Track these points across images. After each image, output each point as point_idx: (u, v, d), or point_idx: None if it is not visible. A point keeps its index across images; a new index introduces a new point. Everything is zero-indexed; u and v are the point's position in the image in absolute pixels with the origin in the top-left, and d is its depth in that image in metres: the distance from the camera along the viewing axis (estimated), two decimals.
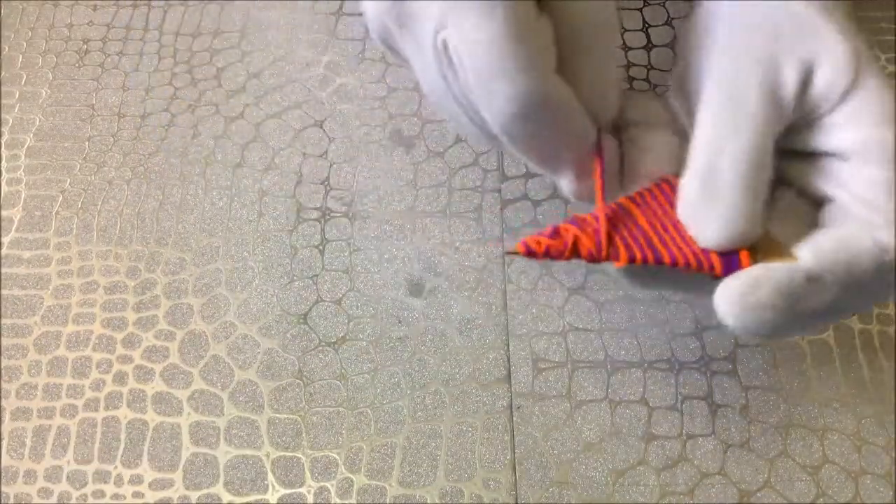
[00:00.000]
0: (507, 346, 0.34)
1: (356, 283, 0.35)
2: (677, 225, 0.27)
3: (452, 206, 0.37)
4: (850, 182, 0.26)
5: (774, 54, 0.26)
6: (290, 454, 0.32)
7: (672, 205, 0.27)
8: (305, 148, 0.39)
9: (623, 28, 0.43)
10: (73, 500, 0.31)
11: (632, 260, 0.26)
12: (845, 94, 0.26)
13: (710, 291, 0.26)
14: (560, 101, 0.26)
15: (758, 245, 0.26)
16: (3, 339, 0.34)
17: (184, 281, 0.36)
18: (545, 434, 0.32)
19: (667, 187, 0.27)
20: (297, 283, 0.35)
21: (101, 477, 0.31)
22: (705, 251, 0.26)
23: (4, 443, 0.32)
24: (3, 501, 0.31)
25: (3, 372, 0.34)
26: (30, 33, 0.44)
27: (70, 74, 0.42)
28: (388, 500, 0.31)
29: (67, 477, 0.31)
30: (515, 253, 0.27)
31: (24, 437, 0.32)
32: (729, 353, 0.34)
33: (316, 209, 0.37)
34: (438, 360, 0.34)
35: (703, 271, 0.26)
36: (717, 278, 0.26)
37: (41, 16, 0.44)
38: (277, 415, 0.33)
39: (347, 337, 0.34)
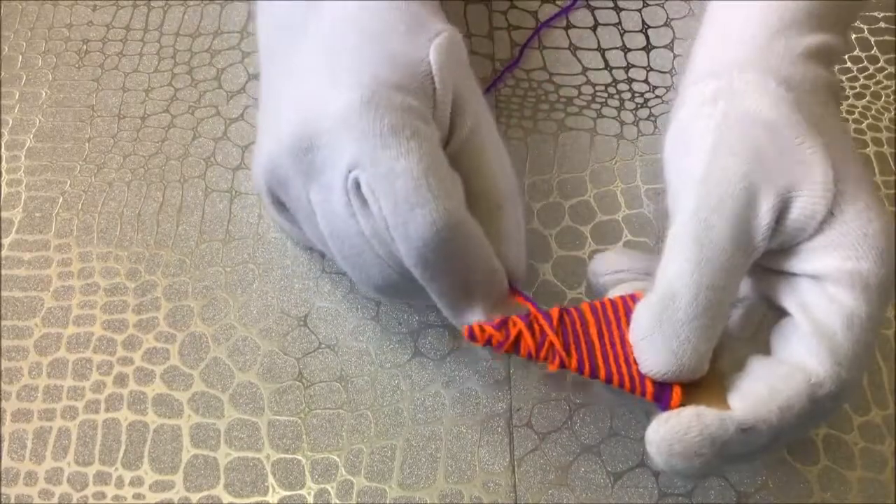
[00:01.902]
0: None
1: (356, 286, 0.35)
2: (626, 342, 0.27)
3: None
4: (813, 304, 0.26)
5: (751, 186, 0.26)
6: (291, 456, 0.32)
7: (628, 321, 0.27)
8: None
9: (622, 29, 0.43)
10: (74, 502, 0.31)
11: (563, 366, 0.27)
12: (822, 224, 0.26)
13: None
14: (472, 232, 0.27)
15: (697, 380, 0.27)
16: (3, 340, 0.34)
17: (184, 283, 0.36)
18: (544, 436, 0.32)
19: (630, 302, 0.28)
20: (297, 286, 0.36)
21: (102, 479, 0.32)
22: (642, 376, 0.26)
23: (5, 444, 0.32)
24: (3, 503, 0.31)
25: (3, 373, 0.34)
26: (29, 33, 0.44)
27: (70, 75, 0.42)
28: (388, 502, 0.31)
29: (68, 479, 0.32)
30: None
31: (25, 438, 0.32)
32: None
33: None
34: (438, 362, 0.34)
35: (634, 394, 0.27)
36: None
37: (41, 16, 0.44)
38: (278, 417, 0.33)
39: (347, 339, 0.34)
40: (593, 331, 0.27)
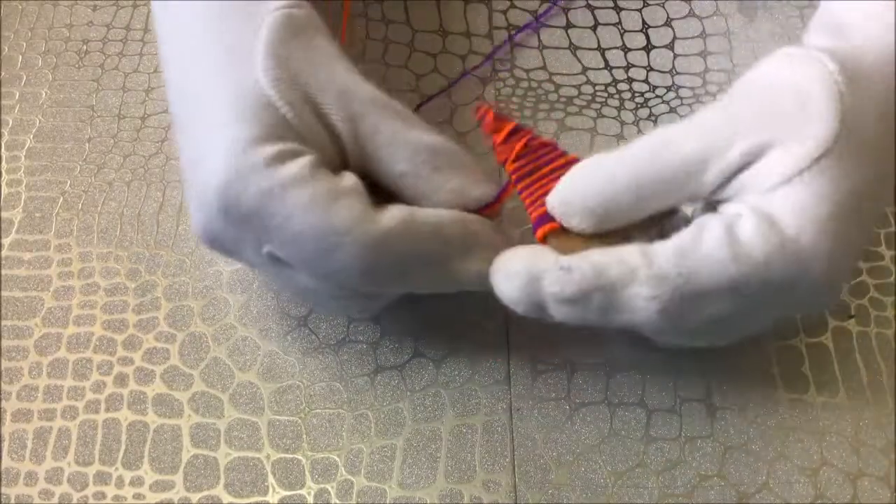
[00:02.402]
0: (507, 347, 0.34)
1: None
2: (550, 178, 0.29)
3: None
4: (708, 219, 0.26)
5: (739, 138, 0.26)
6: (291, 456, 0.32)
7: (564, 169, 0.29)
8: None
9: (622, 28, 0.43)
10: (74, 502, 0.31)
11: (502, 156, 0.30)
12: (780, 184, 0.26)
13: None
14: (403, 226, 0.27)
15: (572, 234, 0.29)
16: (3, 340, 0.34)
17: (184, 283, 0.36)
18: (545, 436, 0.32)
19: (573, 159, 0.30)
20: None
21: (102, 479, 0.32)
22: (541, 204, 0.29)
23: (5, 444, 0.32)
24: (3, 503, 0.31)
25: (3, 373, 0.34)
26: (29, 34, 0.44)
27: (70, 75, 0.42)
28: (387, 502, 0.31)
29: (68, 479, 0.32)
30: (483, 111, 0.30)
31: (25, 438, 0.32)
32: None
33: None
34: (438, 361, 0.34)
35: (527, 211, 0.30)
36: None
37: (41, 16, 0.44)
38: (278, 417, 0.33)
39: (347, 339, 0.34)
40: (545, 156, 0.30)
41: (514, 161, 0.30)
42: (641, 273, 0.26)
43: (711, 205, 0.28)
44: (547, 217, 0.29)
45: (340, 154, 0.29)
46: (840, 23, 0.29)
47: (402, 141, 0.28)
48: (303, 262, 0.27)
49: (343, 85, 0.28)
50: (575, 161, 0.29)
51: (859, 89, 0.26)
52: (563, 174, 0.29)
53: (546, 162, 0.30)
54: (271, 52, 0.27)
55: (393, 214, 0.27)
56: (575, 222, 0.28)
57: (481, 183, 0.30)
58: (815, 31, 0.30)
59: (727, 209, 0.27)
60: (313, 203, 0.26)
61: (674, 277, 0.25)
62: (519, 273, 0.27)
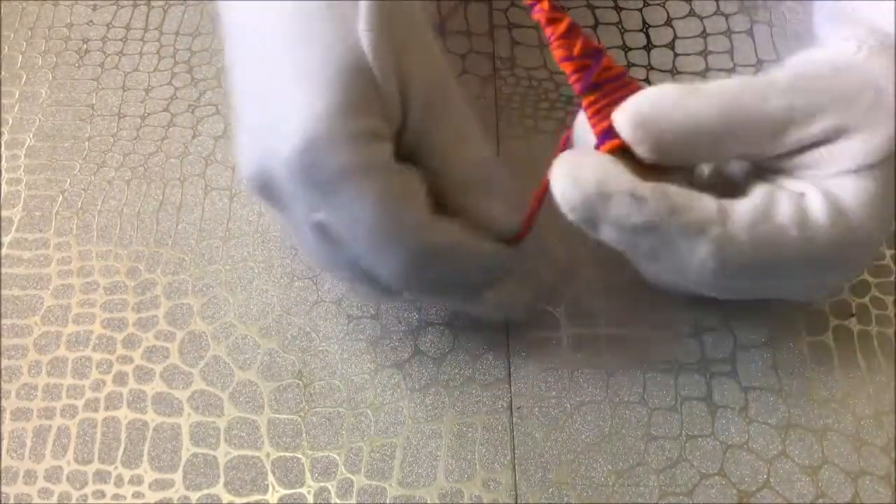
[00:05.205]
0: (507, 346, 0.34)
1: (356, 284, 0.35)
2: (619, 91, 0.27)
3: None
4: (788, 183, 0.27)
5: (823, 116, 0.26)
6: (291, 454, 0.32)
7: (631, 86, 0.27)
8: None
9: (623, 28, 0.43)
10: (74, 501, 0.31)
11: (561, 53, 0.27)
12: (843, 173, 0.26)
13: None
14: (451, 243, 0.27)
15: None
16: (3, 339, 0.34)
17: (184, 281, 0.36)
18: (545, 435, 0.32)
19: None
20: (297, 284, 0.35)
21: (101, 477, 0.32)
22: (606, 116, 0.27)
23: (5, 443, 0.32)
24: (3, 502, 0.31)
25: (3, 372, 0.34)
26: (29, 33, 0.44)
27: (70, 74, 0.42)
28: (388, 501, 0.31)
29: (67, 477, 0.32)
30: None
31: (25, 437, 0.32)
32: (728, 354, 0.34)
33: None
34: (438, 360, 0.34)
35: (588, 119, 0.27)
36: None
37: (41, 16, 0.44)
38: (277, 415, 0.33)
39: (347, 337, 0.34)
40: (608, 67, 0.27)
41: (575, 64, 0.26)
42: (714, 230, 0.25)
43: (761, 171, 0.28)
44: (611, 132, 0.26)
45: (397, 137, 0.27)
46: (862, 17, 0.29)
47: (463, 148, 0.28)
48: (350, 242, 0.26)
49: (432, 64, 0.27)
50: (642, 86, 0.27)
51: None
52: (632, 91, 0.26)
53: (614, 76, 0.27)
54: (376, 10, 0.25)
55: (449, 230, 0.27)
56: (641, 148, 0.26)
57: (514, 213, 0.29)
58: (832, 23, 0.30)
59: (791, 185, 0.27)
60: (387, 196, 0.25)
61: (742, 243, 0.25)
62: (588, 184, 0.25)
